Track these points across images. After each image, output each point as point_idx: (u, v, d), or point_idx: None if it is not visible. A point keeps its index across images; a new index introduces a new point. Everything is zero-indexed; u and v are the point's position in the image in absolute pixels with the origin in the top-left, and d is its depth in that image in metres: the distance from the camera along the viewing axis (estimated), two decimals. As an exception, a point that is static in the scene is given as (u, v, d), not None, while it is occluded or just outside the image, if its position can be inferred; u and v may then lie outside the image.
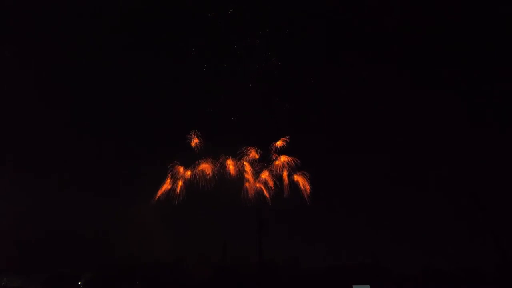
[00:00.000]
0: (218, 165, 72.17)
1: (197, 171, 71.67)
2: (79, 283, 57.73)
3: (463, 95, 75.92)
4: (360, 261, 59.72)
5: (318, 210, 70.77)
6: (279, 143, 73.36)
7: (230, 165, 71.95)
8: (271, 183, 70.17)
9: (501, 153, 66.59)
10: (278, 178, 71.89)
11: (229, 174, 70.77)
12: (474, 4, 76.39)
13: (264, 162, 73.30)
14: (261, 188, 70.75)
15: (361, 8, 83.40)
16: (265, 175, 71.82)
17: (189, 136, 73.46)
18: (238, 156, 73.54)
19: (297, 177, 70.61)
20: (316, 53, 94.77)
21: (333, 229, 70.81)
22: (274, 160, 72.85)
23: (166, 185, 71.54)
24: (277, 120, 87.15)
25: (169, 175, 72.31)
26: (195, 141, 73.27)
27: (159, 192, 70.05)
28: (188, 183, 70.93)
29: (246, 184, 70.47)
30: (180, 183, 70.78)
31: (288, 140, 73.59)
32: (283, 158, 72.41)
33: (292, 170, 71.57)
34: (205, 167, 72.07)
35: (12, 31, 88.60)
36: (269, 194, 69.17)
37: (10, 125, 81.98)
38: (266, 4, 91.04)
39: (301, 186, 68.56)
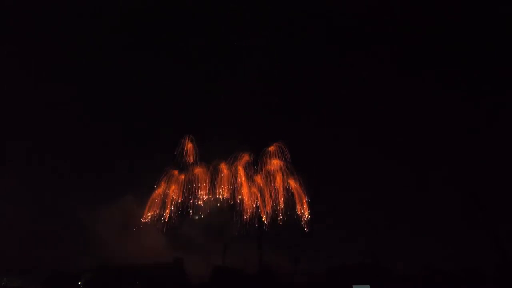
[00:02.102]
0: (211, 168, 72.23)
1: (190, 176, 71.81)
2: (79, 283, 57.62)
3: (463, 95, 75.85)
4: (360, 261, 59.67)
5: (318, 211, 70.60)
6: (272, 148, 73.18)
7: (224, 169, 71.87)
8: (268, 207, 69.07)
9: (501, 153, 66.59)
10: (272, 185, 71.28)
11: (222, 195, 70.00)
12: (474, 4, 76.28)
13: (258, 167, 73.05)
14: (256, 195, 70.23)
15: (361, 8, 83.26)
16: (258, 179, 71.39)
17: (182, 140, 73.77)
18: (231, 161, 73.48)
19: (291, 182, 70.14)
20: (316, 53, 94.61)
21: (333, 229, 70.77)
22: (267, 165, 72.48)
23: (157, 194, 71.27)
24: (274, 121, 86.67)
25: (164, 178, 72.62)
26: (188, 146, 73.52)
27: (146, 213, 69.81)
28: (180, 208, 70.62)
29: (240, 190, 70.31)
30: (170, 202, 70.37)
31: (282, 145, 73.28)
32: (277, 162, 72.02)
33: (287, 175, 71.12)
34: (199, 171, 72.13)
35: (12, 31, 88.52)
36: (267, 218, 68.33)
37: (9, 125, 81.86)
38: (266, 4, 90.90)
39: (298, 210, 68.02)
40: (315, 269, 62.54)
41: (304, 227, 66.25)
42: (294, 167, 70.93)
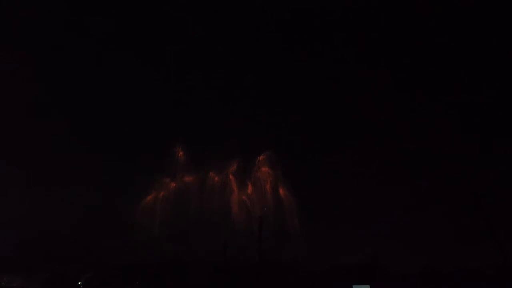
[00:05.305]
0: (201, 174, 72.68)
1: (182, 184, 72.22)
2: (79, 283, 57.66)
3: (463, 96, 75.86)
4: (360, 261, 59.68)
5: (317, 210, 70.53)
6: (262, 157, 73.51)
7: (214, 177, 72.33)
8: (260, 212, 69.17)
9: (501, 152, 66.57)
10: (263, 191, 71.55)
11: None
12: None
13: (248, 174, 73.39)
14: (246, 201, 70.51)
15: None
16: (249, 186, 71.68)
17: (174, 148, 74.38)
18: (222, 169, 73.88)
19: (282, 191, 70.41)
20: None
21: (333, 228, 70.70)
22: (257, 172, 72.76)
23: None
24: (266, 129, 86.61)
25: (155, 186, 73.05)
26: (180, 154, 74.05)
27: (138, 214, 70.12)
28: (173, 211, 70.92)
29: (232, 197, 70.62)
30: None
31: (272, 154, 73.53)
32: (266, 170, 72.26)
33: (277, 183, 71.36)
34: (189, 180, 72.63)
35: (11, 31, 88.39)
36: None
37: (7, 127, 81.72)
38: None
39: (289, 215, 68.25)
40: (315, 269, 62.53)
41: (297, 231, 66.85)
42: (284, 175, 71.60)
